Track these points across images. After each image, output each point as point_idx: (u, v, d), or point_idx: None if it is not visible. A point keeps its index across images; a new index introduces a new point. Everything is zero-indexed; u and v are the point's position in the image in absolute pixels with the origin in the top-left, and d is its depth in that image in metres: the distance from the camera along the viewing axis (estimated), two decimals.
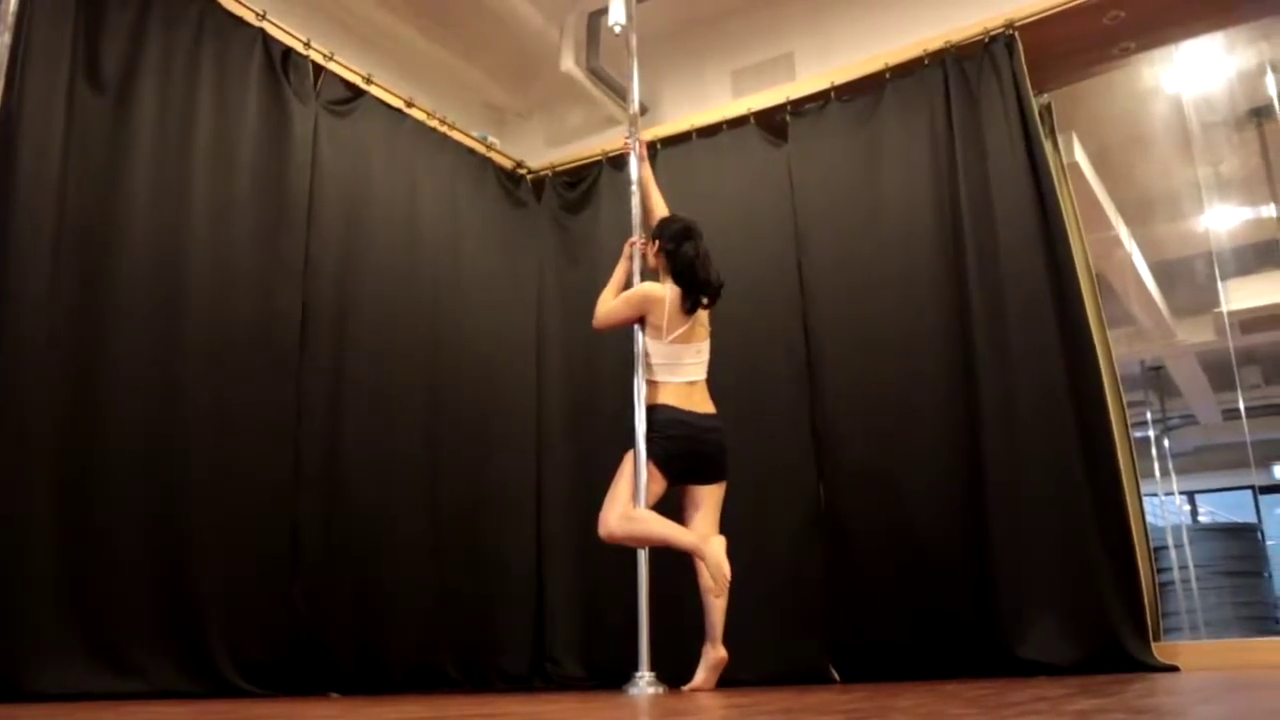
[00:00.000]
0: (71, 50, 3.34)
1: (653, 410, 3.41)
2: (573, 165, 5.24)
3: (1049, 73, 4.33)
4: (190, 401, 3.45)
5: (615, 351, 4.15)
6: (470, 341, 4.68)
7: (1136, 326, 7.64)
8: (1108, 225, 6.29)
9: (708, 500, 3.46)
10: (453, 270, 4.68)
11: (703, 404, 3.47)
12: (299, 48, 4.14)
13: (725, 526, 4.05)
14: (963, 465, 3.85)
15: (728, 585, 3.26)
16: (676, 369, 3.45)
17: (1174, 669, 3.41)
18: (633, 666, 3.28)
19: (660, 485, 3.39)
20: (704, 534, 3.39)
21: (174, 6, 3.69)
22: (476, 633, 4.39)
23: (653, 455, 3.35)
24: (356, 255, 4.21)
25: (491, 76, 5.45)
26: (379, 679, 3.90)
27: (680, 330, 3.45)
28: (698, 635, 4.09)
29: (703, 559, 3.25)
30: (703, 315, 3.54)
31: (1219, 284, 6.86)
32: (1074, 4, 4.01)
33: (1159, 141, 6.21)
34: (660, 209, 3.81)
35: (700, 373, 3.49)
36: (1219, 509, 10.43)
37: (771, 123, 4.68)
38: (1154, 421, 8.78)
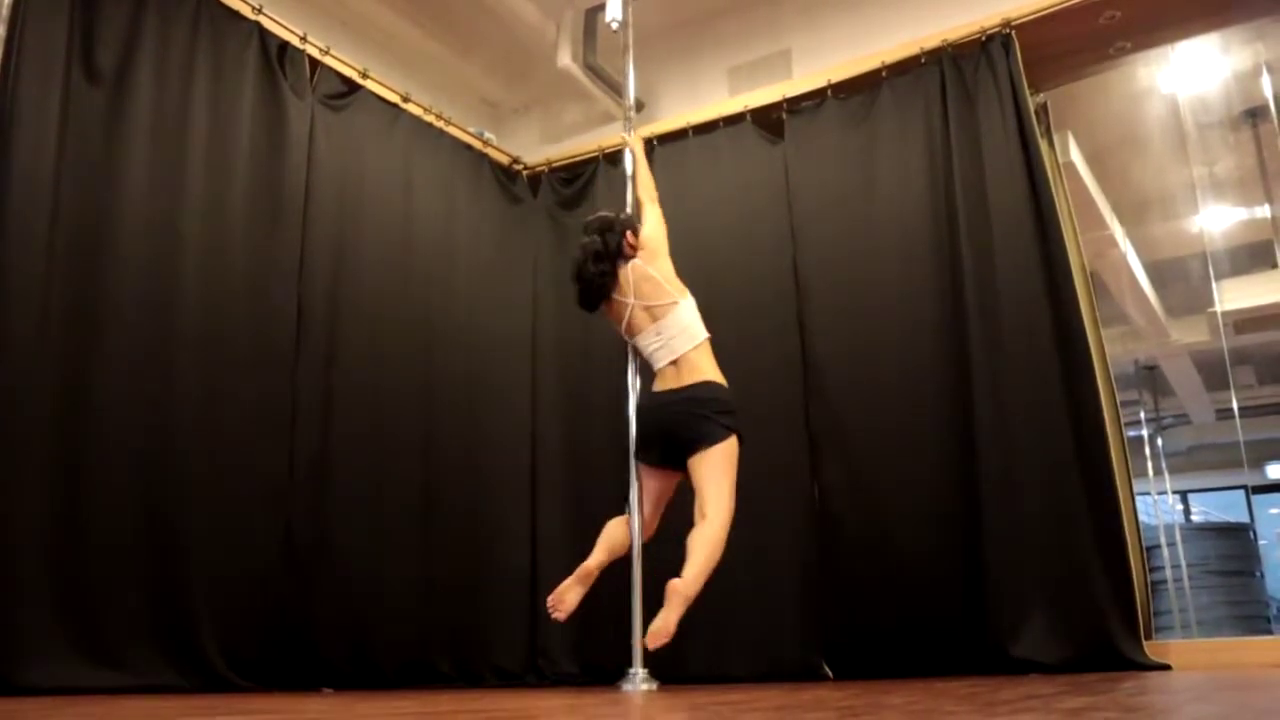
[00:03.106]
0: (67, 42, 3.33)
1: None
2: (569, 161, 5.24)
3: (1045, 72, 4.33)
4: (183, 396, 3.45)
5: (610, 347, 4.15)
6: (465, 337, 4.67)
7: (1131, 326, 7.64)
8: (1103, 225, 6.29)
9: (694, 479, 3.21)
10: (448, 266, 4.67)
11: (676, 379, 3.27)
12: (295, 41, 4.13)
13: None
14: (956, 464, 3.86)
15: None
16: (652, 359, 3.38)
17: (1166, 668, 3.43)
18: (626, 663, 3.28)
19: (651, 479, 3.35)
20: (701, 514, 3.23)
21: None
22: (469, 629, 4.39)
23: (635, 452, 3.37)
24: (351, 250, 4.20)
25: (488, 72, 5.44)
26: (371, 675, 3.90)
27: (622, 327, 3.42)
28: (691, 633, 4.10)
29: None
30: (640, 302, 3.35)
31: (1213, 284, 6.86)
32: (1070, 4, 4.01)
33: (1154, 141, 6.21)
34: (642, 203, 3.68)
35: (669, 354, 3.29)
36: (1212, 509, 10.43)
37: (768, 120, 4.67)
38: (1147, 421, 8.78)
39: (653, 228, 3.48)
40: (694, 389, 3.23)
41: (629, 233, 3.42)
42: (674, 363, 3.29)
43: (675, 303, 3.34)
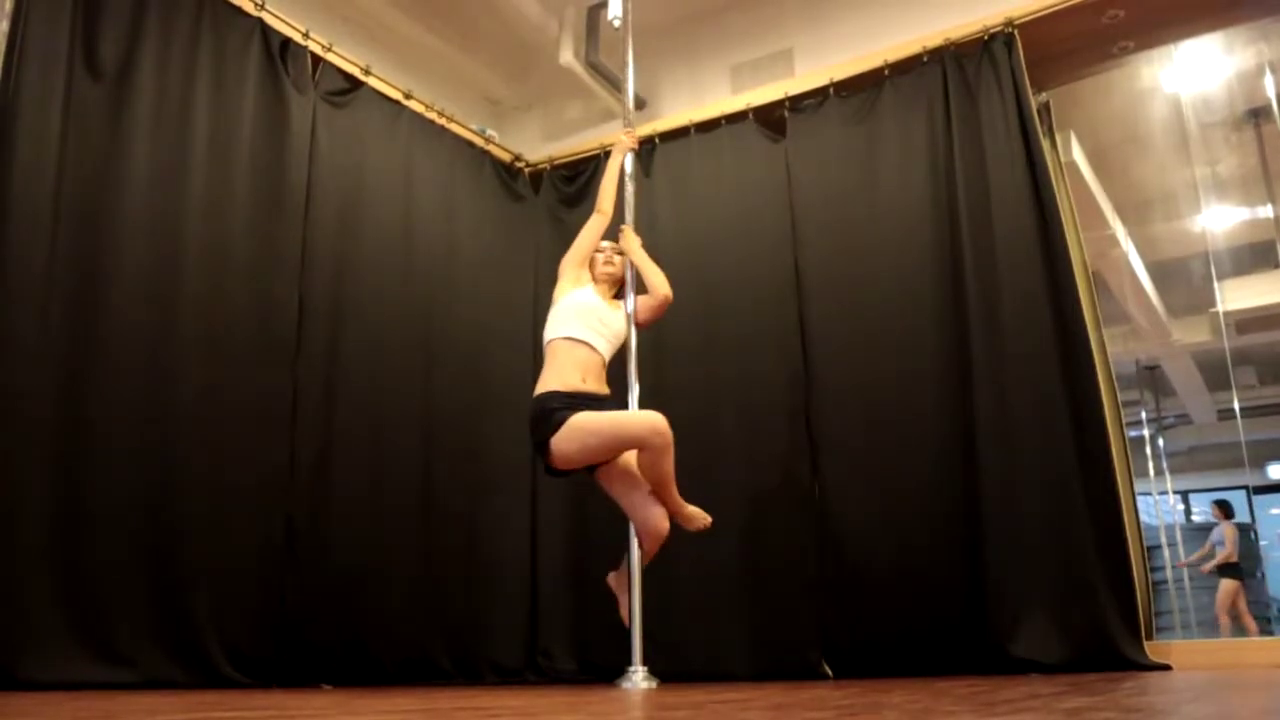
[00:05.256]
0: (70, 39, 3.34)
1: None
2: (570, 159, 5.24)
3: (1048, 71, 4.33)
4: (185, 391, 3.45)
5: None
6: (466, 334, 4.68)
7: (1132, 325, 7.65)
8: (1105, 224, 6.29)
9: None
10: (449, 263, 4.67)
11: None
12: (297, 38, 4.13)
13: (720, 519, 4.04)
14: (957, 462, 3.85)
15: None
16: None
17: (1166, 668, 3.42)
18: (626, 661, 3.29)
19: (599, 481, 3.36)
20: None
21: None
22: (469, 626, 4.39)
23: None
24: (353, 246, 4.20)
25: (490, 69, 5.44)
26: (371, 671, 3.90)
27: None
28: (691, 631, 4.11)
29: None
30: None
31: (1215, 284, 6.87)
32: (1073, 3, 4.01)
33: (1157, 141, 6.21)
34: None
35: None
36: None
37: (770, 118, 4.67)
38: (1149, 421, 8.79)
39: (572, 247, 3.63)
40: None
41: None
42: None
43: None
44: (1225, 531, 8.37)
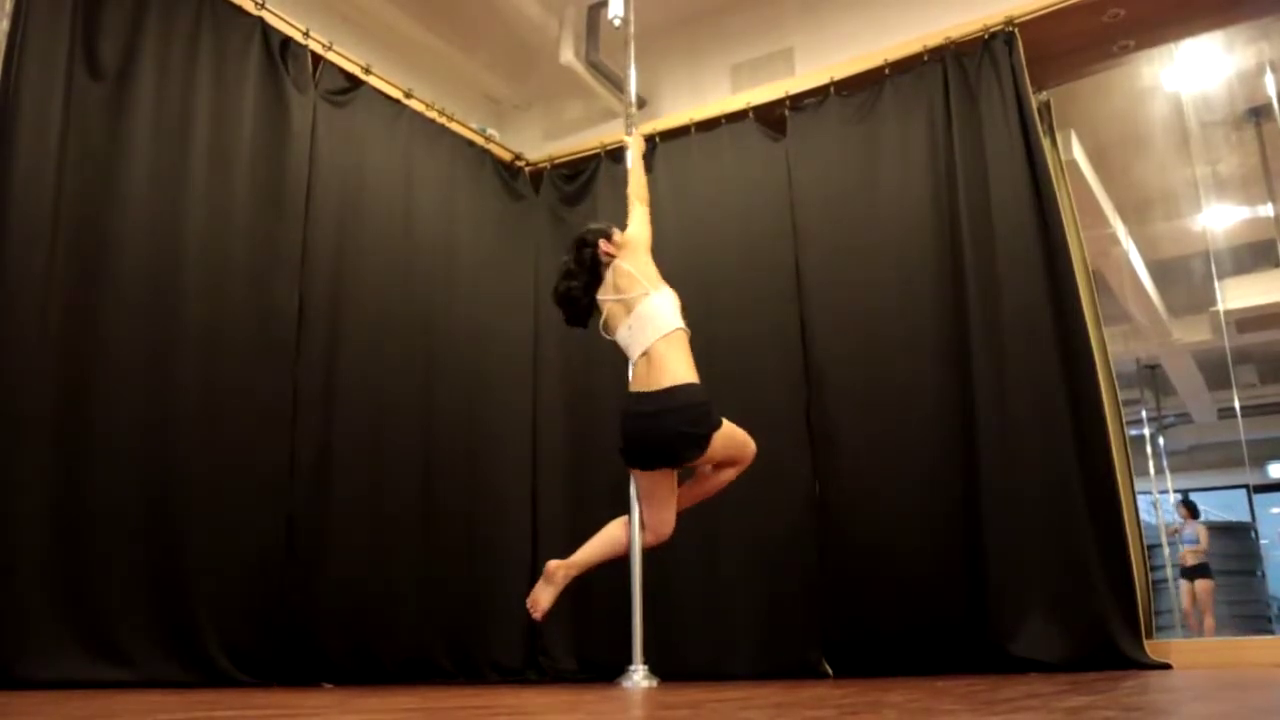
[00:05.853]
0: (70, 38, 3.34)
1: None
2: (571, 158, 5.24)
3: (1048, 70, 4.33)
4: (185, 391, 3.45)
5: (613, 345, 4.14)
6: (466, 334, 4.68)
7: (1133, 324, 7.65)
8: (1105, 223, 6.29)
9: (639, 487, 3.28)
10: (450, 262, 4.67)
11: (647, 378, 3.15)
12: (298, 37, 4.13)
13: (720, 520, 4.04)
14: (958, 461, 3.86)
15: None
16: (627, 353, 3.28)
17: (1166, 667, 3.43)
18: (626, 660, 3.29)
19: (645, 480, 3.22)
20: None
21: None
22: (469, 625, 4.39)
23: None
24: (353, 246, 4.20)
25: (490, 68, 5.44)
26: (372, 670, 3.90)
27: (605, 325, 3.35)
28: (690, 629, 4.11)
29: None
30: (616, 296, 3.28)
31: (1215, 283, 6.87)
32: (1074, 2, 4.00)
33: (1157, 140, 6.21)
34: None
35: (638, 346, 3.20)
36: (1213, 508, 10.44)
37: (770, 117, 4.67)
38: (1149, 419, 8.79)
39: (635, 227, 3.43)
40: (664, 398, 3.07)
41: (603, 239, 3.37)
42: (645, 355, 3.16)
43: (646, 293, 3.23)
44: (1197, 530, 8.38)
